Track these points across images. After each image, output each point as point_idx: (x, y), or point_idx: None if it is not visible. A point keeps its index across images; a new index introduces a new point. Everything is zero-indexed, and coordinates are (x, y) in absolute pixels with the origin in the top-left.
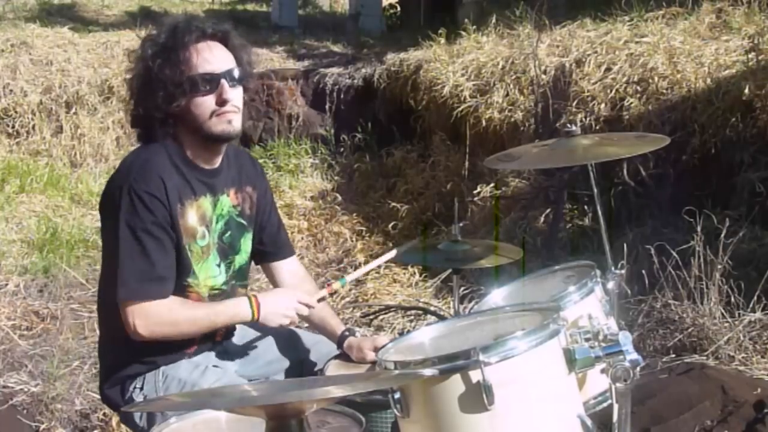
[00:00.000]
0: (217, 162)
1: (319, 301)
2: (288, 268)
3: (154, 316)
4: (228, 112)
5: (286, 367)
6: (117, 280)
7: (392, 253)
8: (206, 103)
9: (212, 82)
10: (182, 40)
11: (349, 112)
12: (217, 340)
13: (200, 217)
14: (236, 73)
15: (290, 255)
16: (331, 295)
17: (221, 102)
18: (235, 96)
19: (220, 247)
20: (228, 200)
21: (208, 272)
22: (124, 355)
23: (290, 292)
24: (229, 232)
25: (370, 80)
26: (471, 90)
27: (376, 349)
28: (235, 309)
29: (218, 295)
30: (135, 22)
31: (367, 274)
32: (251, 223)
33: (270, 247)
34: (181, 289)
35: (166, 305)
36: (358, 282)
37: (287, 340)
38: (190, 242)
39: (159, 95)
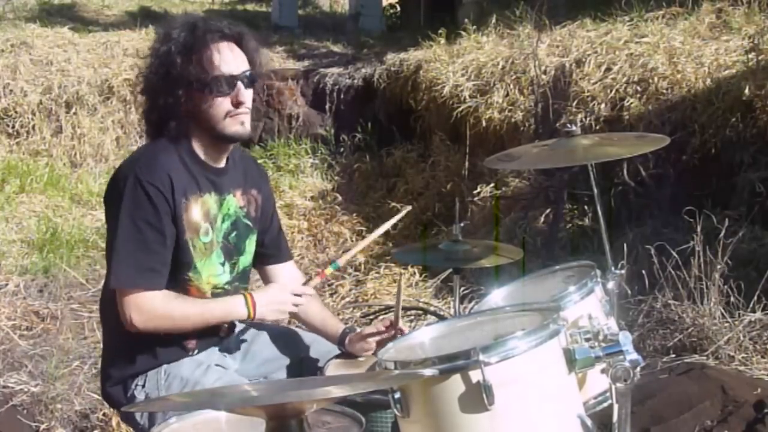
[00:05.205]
0: (223, 161)
1: (314, 286)
2: (286, 271)
3: (149, 307)
4: (241, 114)
5: (286, 365)
6: (111, 266)
7: (382, 229)
8: (223, 103)
9: (231, 83)
10: (203, 39)
11: (349, 112)
12: (221, 335)
13: (204, 213)
14: (251, 76)
15: (289, 259)
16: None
17: (237, 104)
18: (248, 98)
19: (225, 246)
20: (235, 201)
21: (211, 270)
22: (127, 353)
23: (283, 287)
24: (235, 233)
25: (370, 80)
26: (471, 90)
27: (379, 332)
28: (231, 306)
29: (221, 294)
30: (135, 22)
31: (357, 253)
32: (256, 225)
33: (271, 249)
34: (182, 284)
35: (161, 298)
36: (358, 282)
37: (287, 338)
38: (192, 237)
39: (180, 93)
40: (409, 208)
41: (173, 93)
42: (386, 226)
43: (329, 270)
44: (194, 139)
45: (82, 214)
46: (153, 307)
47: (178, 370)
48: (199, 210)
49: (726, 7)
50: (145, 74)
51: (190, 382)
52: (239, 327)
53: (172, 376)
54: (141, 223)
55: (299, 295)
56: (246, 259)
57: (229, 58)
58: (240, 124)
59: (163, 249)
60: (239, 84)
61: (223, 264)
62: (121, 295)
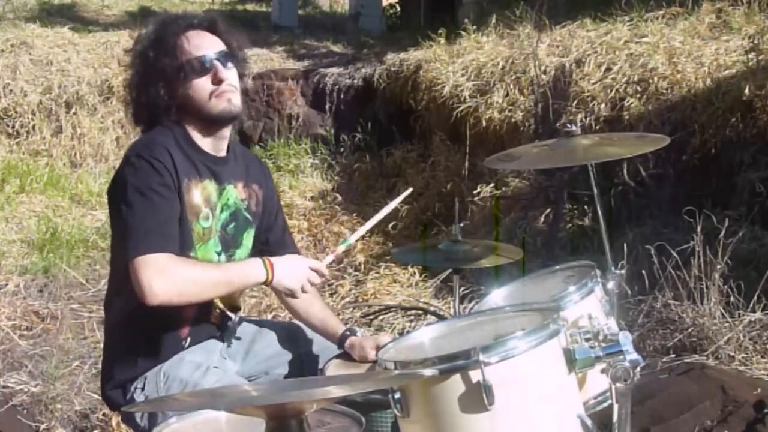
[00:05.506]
0: (223, 150)
1: (327, 265)
2: None
3: (169, 268)
4: (226, 91)
5: (288, 360)
6: (126, 242)
7: (388, 209)
8: (203, 84)
9: (206, 64)
10: (172, 30)
11: (349, 112)
12: (213, 323)
13: (205, 198)
14: (228, 55)
15: None
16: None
17: (217, 81)
18: (231, 75)
19: (222, 236)
20: (235, 192)
21: (206, 257)
22: (126, 353)
23: (301, 259)
24: (233, 224)
25: (370, 80)
26: (471, 90)
27: (378, 348)
28: (249, 268)
29: None
30: (135, 22)
31: (367, 233)
32: (255, 220)
33: (276, 247)
34: None
35: (179, 261)
36: (358, 282)
37: (289, 334)
38: (193, 220)
39: (160, 85)
40: (410, 189)
41: (154, 87)
42: (392, 205)
43: (341, 248)
44: (188, 126)
45: (82, 214)
46: (173, 267)
47: (177, 372)
48: (199, 194)
49: (726, 7)
50: (127, 79)
51: (189, 384)
52: (234, 320)
53: (171, 379)
54: (147, 192)
55: (316, 272)
56: (243, 252)
57: (200, 43)
58: (227, 101)
59: (172, 212)
60: (216, 63)
61: (219, 254)
62: (136, 267)
